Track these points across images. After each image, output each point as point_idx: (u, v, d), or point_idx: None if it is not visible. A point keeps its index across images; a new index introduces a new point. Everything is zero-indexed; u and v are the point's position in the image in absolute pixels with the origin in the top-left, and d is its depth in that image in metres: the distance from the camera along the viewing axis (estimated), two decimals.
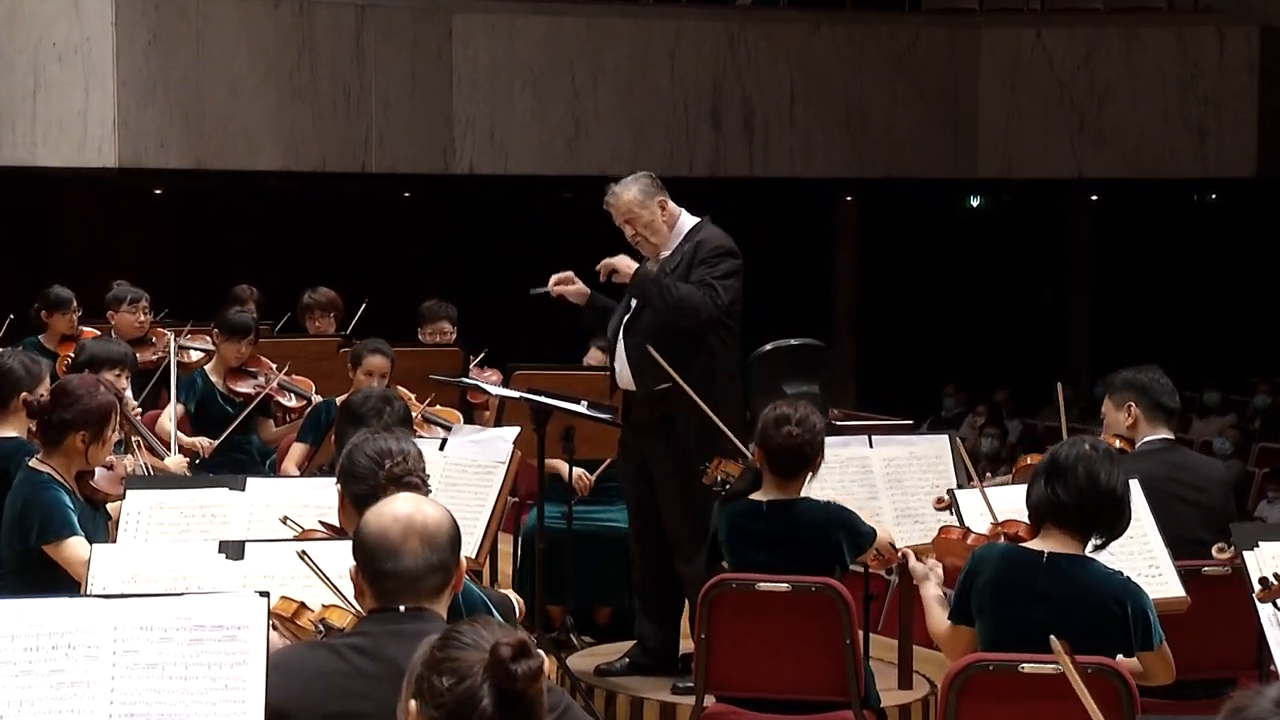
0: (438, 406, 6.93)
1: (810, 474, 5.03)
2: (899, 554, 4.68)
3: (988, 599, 4.14)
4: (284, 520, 4.25)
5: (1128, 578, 4.13)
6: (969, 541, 4.47)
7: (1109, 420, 5.39)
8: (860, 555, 5.06)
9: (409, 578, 3.16)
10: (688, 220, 6.10)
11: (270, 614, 3.42)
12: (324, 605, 3.58)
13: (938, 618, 4.33)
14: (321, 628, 3.54)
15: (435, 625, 3.15)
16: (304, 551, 3.69)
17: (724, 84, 14.29)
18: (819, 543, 4.96)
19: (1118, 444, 5.30)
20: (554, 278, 6.27)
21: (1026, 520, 4.28)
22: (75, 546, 4.76)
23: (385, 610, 3.18)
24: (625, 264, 6.03)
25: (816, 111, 14.58)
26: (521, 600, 4.68)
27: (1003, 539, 4.35)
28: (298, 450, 6.88)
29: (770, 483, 5.01)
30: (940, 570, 4.52)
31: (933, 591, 4.42)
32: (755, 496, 5.03)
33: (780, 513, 4.98)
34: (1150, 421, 5.29)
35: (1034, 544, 4.16)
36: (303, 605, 3.57)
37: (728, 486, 5.31)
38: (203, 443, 6.96)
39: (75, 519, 4.83)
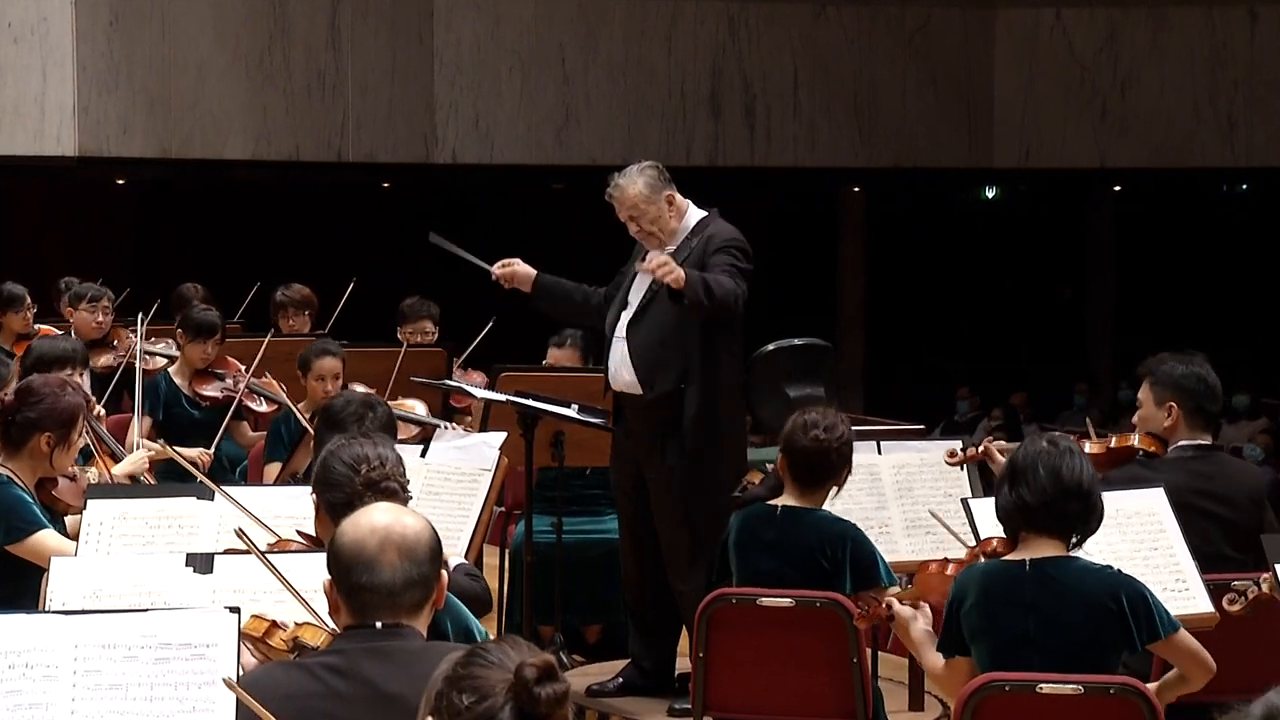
0: (400, 399, 6.92)
1: (835, 488, 5.04)
2: (884, 605, 4.66)
3: (977, 622, 4.14)
4: (239, 532, 4.24)
5: (1117, 569, 4.15)
6: (949, 572, 4.46)
7: (1145, 413, 5.35)
8: (865, 588, 4.99)
9: (385, 592, 3.17)
10: (695, 213, 6.09)
11: (240, 634, 3.43)
12: (297, 623, 3.59)
13: (930, 658, 4.32)
14: (295, 647, 3.54)
15: (414, 643, 3.16)
16: (259, 551, 3.68)
17: (724, 68, 14.30)
18: (825, 556, 4.97)
19: (1149, 445, 5.31)
20: (498, 265, 6.25)
21: (1002, 535, 4.28)
22: (45, 539, 4.77)
23: (361, 627, 3.19)
24: (680, 275, 5.70)
25: (822, 97, 14.59)
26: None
27: (981, 559, 4.36)
28: (270, 471, 6.87)
29: (791, 491, 5.04)
30: (928, 610, 4.50)
31: (920, 630, 4.39)
32: (772, 502, 5.05)
33: (792, 519, 5.00)
34: (1190, 426, 5.28)
35: (1014, 555, 4.17)
36: (275, 624, 3.58)
37: (744, 490, 5.32)
38: (205, 457, 6.90)
39: (39, 513, 4.84)
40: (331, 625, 3.42)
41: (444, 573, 3.29)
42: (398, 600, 3.18)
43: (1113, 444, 5.40)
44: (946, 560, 4.54)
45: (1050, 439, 4.21)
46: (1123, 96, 14.90)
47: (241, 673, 3.37)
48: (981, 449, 5.58)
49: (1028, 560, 4.11)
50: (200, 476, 4.79)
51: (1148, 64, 14.84)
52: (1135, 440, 5.34)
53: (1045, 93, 14.96)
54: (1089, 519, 4.16)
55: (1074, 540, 4.16)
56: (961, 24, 14.93)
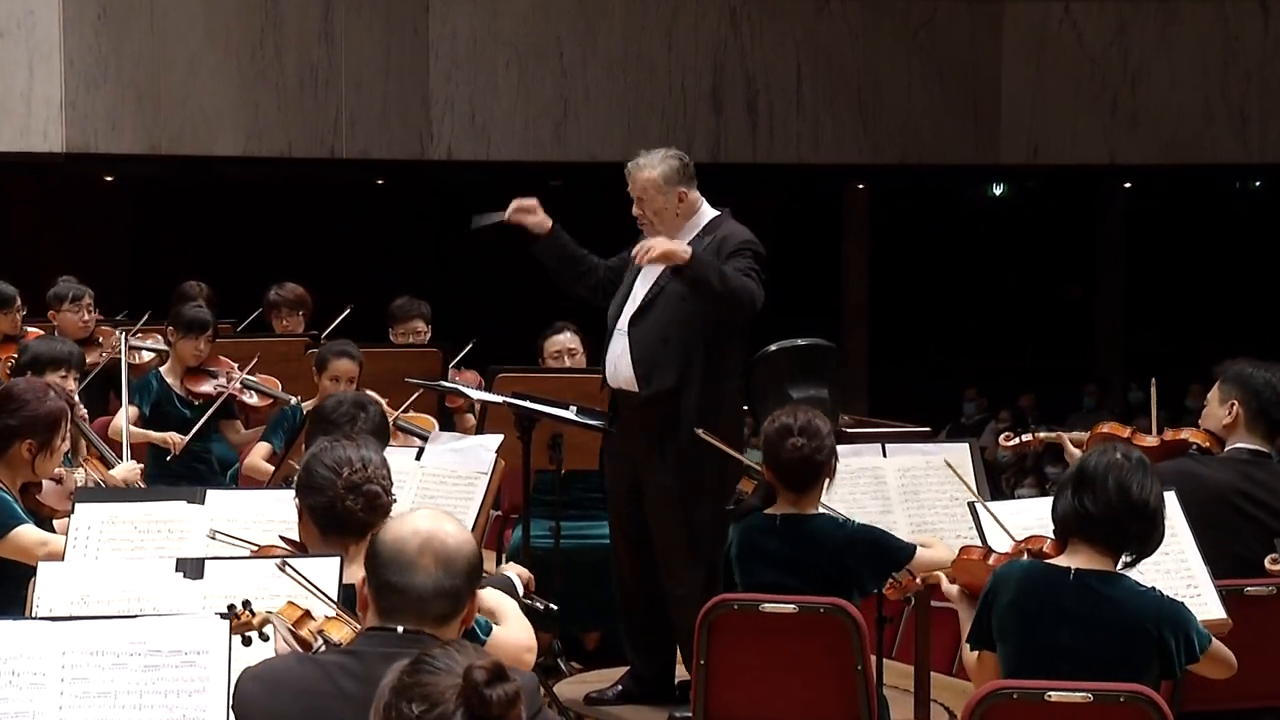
0: (411, 413, 6.92)
1: (828, 481, 5.05)
2: (918, 581, 4.67)
3: (1010, 621, 4.14)
4: (213, 535, 4.25)
5: (1161, 594, 4.14)
6: (990, 562, 4.47)
7: (1208, 410, 5.40)
8: (890, 572, 5.03)
9: (414, 596, 3.19)
10: (708, 211, 6.08)
11: (274, 616, 3.45)
12: (327, 617, 3.60)
13: (968, 647, 4.33)
14: (320, 640, 3.55)
15: None
16: (285, 561, 3.70)
17: (725, 62, 14.30)
18: (834, 565, 4.96)
19: (1203, 440, 5.33)
20: (515, 203, 6.21)
21: (1051, 535, 4.28)
22: (24, 534, 4.77)
23: (383, 629, 3.20)
24: (680, 249, 5.73)
25: (825, 92, 14.59)
26: (525, 571, 4.68)
27: (1026, 556, 4.36)
28: (262, 449, 6.89)
29: (784, 498, 5.04)
30: (954, 589, 4.52)
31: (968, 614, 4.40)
32: (769, 511, 5.04)
33: (793, 529, 5.00)
34: (1250, 429, 5.29)
35: (1060, 560, 4.16)
36: (307, 613, 3.59)
37: (739, 501, 5.32)
38: (173, 438, 6.99)
39: (18, 509, 4.83)
40: (354, 622, 3.43)
41: (479, 593, 3.29)
42: (426, 607, 3.19)
43: (1166, 436, 5.49)
44: (990, 550, 4.55)
45: (1125, 451, 4.19)
46: (1133, 91, 14.90)
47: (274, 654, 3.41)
48: (1042, 436, 5.61)
49: (1073, 568, 4.10)
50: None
51: (1158, 58, 14.84)
52: (1192, 435, 5.38)
53: (1054, 88, 14.95)
54: (1148, 541, 4.15)
55: (1127, 559, 4.14)
56: (968, 17, 14.93)
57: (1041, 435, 5.80)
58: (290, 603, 3.58)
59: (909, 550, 5.01)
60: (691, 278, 5.77)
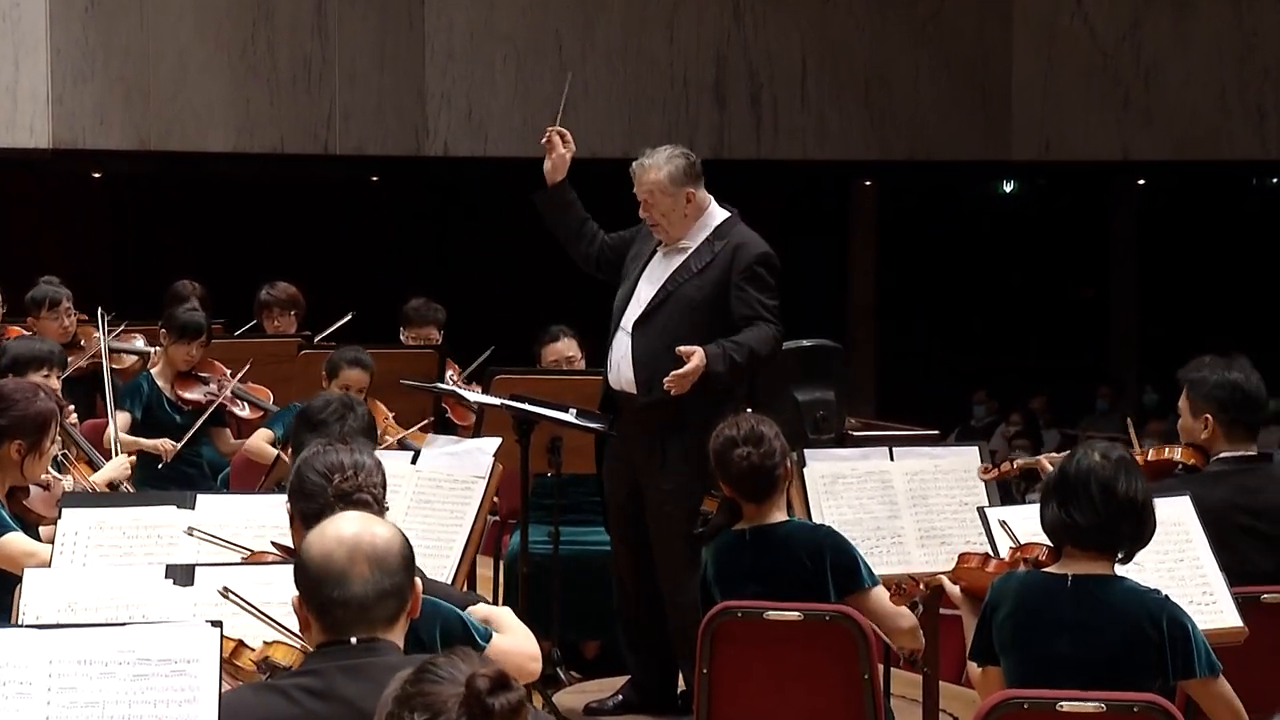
0: (415, 430, 6.90)
1: (788, 485, 5.04)
2: (921, 586, 4.66)
3: (1009, 634, 4.15)
4: (189, 532, 4.23)
5: (1166, 596, 4.13)
6: (989, 569, 4.47)
7: (1184, 424, 5.30)
8: (849, 595, 4.98)
9: (358, 605, 3.18)
10: (717, 212, 6.08)
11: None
12: (266, 642, 3.58)
13: (972, 660, 4.33)
14: (265, 668, 3.53)
15: (391, 657, 3.16)
16: (226, 588, 3.69)
17: (728, 56, 14.29)
18: (809, 570, 4.94)
19: (1190, 458, 5.25)
20: (557, 131, 6.28)
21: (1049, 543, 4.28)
22: (13, 542, 4.78)
23: (334, 643, 3.19)
24: (694, 368, 5.79)
25: (831, 86, 14.58)
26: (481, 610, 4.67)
27: (1022, 565, 4.35)
28: (264, 434, 6.92)
29: (748, 510, 5.02)
30: (957, 590, 4.53)
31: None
32: (738, 527, 5.03)
33: (764, 540, 4.98)
34: (1229, 437, 5.19)
35: (1056, 567, 4.16)
36: (241, 643, 3.58)
37: (706, 523, 5.30)
38: (165, 445, 6.99)
39: (6, 516, 4.84)
40: (302, 642, 3.41)
41: (418, 581, 3.29)
42: (371, 614, 3.19)
43: (1150, 456, 5.31)
44: (988, 556, 4.55)
45: (1104, 451, 4.17)
46: (1146, 86, 14.89)
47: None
48: (1019, 464, 5.60)
49: (1070, 576, 4.10)
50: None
51: (1173, 51, 14.83)
52: (1178, 454, 5.27)
53: (1065, 82, 14.94)
54: (1140, 536, 4.15)
55: (1120, 556, 4.14)
56: (976, 9, 14.92)
57: (1019, 463, 5.77)
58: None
59: (872, 581, 4.97)
60: (716, 377, 5.81)
